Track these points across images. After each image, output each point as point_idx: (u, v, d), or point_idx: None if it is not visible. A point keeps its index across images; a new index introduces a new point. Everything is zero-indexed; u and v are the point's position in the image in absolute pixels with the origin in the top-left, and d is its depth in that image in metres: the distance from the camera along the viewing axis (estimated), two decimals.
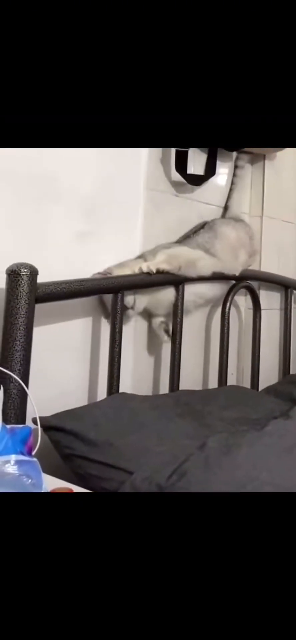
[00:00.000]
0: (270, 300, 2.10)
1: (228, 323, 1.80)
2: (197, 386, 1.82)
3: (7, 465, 0.78)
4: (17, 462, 0.79)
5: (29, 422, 1.12)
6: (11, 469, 0.78)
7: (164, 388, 1.65)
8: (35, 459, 0.83)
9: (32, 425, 1.05)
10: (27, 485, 0.78)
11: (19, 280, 1.13)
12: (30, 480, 0.79)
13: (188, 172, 1.75)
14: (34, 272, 1.16)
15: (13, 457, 0.80)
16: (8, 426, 0.88)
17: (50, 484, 0.86)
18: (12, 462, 0.79)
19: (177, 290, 1.60)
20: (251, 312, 1.99)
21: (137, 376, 1.63)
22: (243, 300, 2.01)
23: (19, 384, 1.08)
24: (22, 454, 0.85)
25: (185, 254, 1.64)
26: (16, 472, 0.79)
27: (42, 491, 0.80)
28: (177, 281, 1.59)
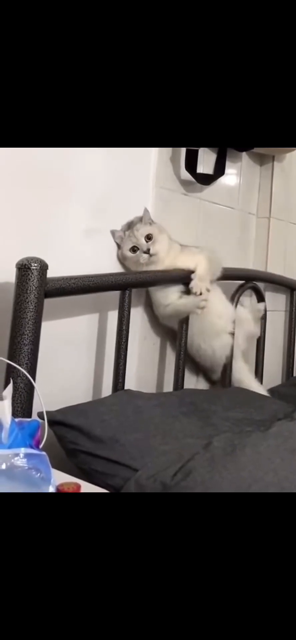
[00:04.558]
0: (275, 301, 2.11)
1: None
2: (201, 385, 1.83)
3: (16, 459, 0.78)
4: (27, 456, 0.79)
5: (34, 416, 1.13)
6: (20, 462, 0.79)
7: (169, 386, 1.65)
8: (44, 453, 0.83)
9: (38, 419, 1.05)
10: (36, 479, 0.78)
11: (29, 274, 1.14)
12: (39, 474, 0.79)
13: (198, 171, 1.75)
14: (43, 267, 1.16)
15: (22, 451, 0.80)
16: (16, 419, 0.89)
17: (58, 478, 0.86)
18: (22, 455, 0.79)
19: (186, 288, 1.60)
20: (264, 307, 1.98)
21: (142, 373, 1.63)
22: (248, 301, 2.01)
23: (27, 377, 1.09)
24: (31, 447, 0.85)
25: (216, 258, 1.64)
26: (25, 465, 0.79)
27: (51, 485, 0.80)
28: (187, 280, 1.60)
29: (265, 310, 1.96)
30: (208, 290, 1.56)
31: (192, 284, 1.55)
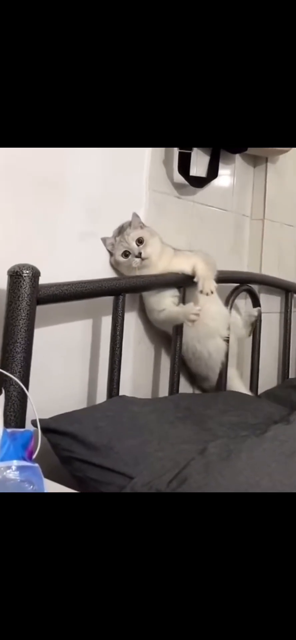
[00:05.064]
0: (270, 303, 2.10)
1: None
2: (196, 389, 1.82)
3: (8, 471, 0.78)
4: (19, 468, 0.79)
5: (28, 424, 1.12)
6: (12, 474, 0.78)
7: (164, 391, 1.64)
8: (36, 465, 0.82)
9: (31, 428, 1.04)
10: (28, 491, 0.78)
11: (20, 281, 1.12)
12: (31, 487, 0.78)
13: (191, 174, 1.74)
14: (35, 274, 1.15)
15: (14, 463, 0.79)
16: (8, 430, 0.88)
17: (51, 489, 0.85)
18: (14, 468, 0.78)
19: (180, 293, 1.60)
20: (260, 312, 1.97)
21: (137, 379, 1.62)
22: (243, 304, 2.01)
23: (19, 386, 1.08)
24: (23, 459, 0.84)
25: (210, 260, 1.63)
26: (18, 478, 0.78)
27: None
28: (180, 284, 1.59)
29: (260, 314, 1.95)
30: (212, 292, 1.55)
31: (200, 286, 1.54)
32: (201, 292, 1.54)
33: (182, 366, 1.68)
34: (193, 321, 1.53)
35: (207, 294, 1.54)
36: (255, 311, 1.92)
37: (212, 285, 1.55)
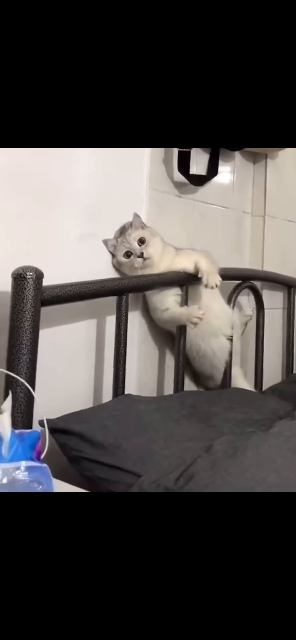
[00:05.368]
0: (273, 299, 2.10)
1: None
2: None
3: (17, 472, 0.78)
4: (28, 469, 0.79)
5: (35, 425, 1.12)
6: (22, 475, 0.78)
7: (169, 389, 1.64)
8: (45, 465, 0.83)
9: (39, 428, 1.05)
10: (37, 492, 0.78)
11: (24, 283, 1.13)
12: (41, 487, 0.79)
13: (191, 172, 1.75)
14: (39, 275, 1.15)
15: (23, 464, 0.80)
16: (16, 431, 0.88)
17: (60, 489, 0.86)
18: (23, 469, 0.79)
19: (182, 291, 1.60)
20: (254, 312, 1.98)
21: (142, 377, 1.63)
22: (246, 300, 2.01)
23: (26, 387, 1.08)
24: (32, 459, 0.84)
25: (212, 257, 1.64)
26: (26, 478, 0.78)
27: None
28: (183, 282, 1.59)
29: (264, 309, 1.96)
30: (217, 286, 1.55)
31: (204, 280, 1.54)
32: (206, 286, 1.54)
33: (186, 366, 1.68)
34: (195, 324, 1.53)
35: (212, 288, 1.54)
36: (249, 310, 1.95)
37: (216, 278, 1.55)
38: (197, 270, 1.57)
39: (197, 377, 1.81)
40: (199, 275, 1.55)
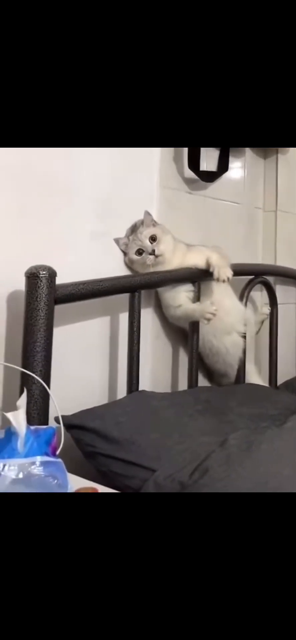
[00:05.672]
0: (286, 295, 2.09)
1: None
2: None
3: (33, 467, 0.79)
4: (43, 464, 0.80)
5: (51, 422, 1.13)
6: (37, 470, 0.79)
7: (183, 385, 1.65)
8: (60, 460, 0.84)
9: (55, 425, 1.06)
10: (53, 486, 0.79)
11: (37, 282, 1.14)
12: (56, 481, 0.79)
13: (201, 168, 1.75)
14: (52, 274, 1.16)
15: (38, 459, 0.81)
16: (32, 427, 0.89)
17: (75, 483, 0.87)
18: (38, 464, 0.80)
19: (195, 288, 1.60)
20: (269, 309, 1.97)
21: (156, 374, 1.63)
22: (259, 296, 2.01)
23: (41, 384, 1.09)
24: (47, 454, 0.85)
25: (224, 252, 1.64)
26: (42, 473, 0.79)
27: (68, 491, 0.80)
28: (195, 278, 1.59)
29: (277, 304, 1.95)
30: (229, 279, 1.55)
31: (215, 274, 1.54)
32: (217, 279, 1.54)
33: (200, 363, 1.68)
34: (209, 320, 1.53)
35: (224, 281, 1.54)
36: (265, 309, 1.94)
37: (227, 271, 1.55)
38: (208, 265, 1.57)
39: (211, 375, 1.81)
40: (210, 270, 1.56)
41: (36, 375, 1.10)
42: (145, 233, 1.51)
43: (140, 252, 1.51)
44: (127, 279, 1.45)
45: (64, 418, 1.08)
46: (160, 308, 1.65)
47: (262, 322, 1.96)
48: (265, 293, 1.98)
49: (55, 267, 1.18)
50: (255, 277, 1.86)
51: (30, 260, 1.19)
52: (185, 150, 1.72)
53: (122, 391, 1.44)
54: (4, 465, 0.78)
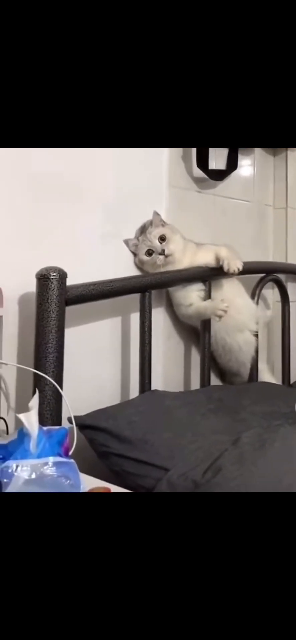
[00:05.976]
0: None
1: None
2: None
3: (45, 467, 0.79)
4: (55, 464, 0.80)
5: (64, 422, 1.14)
6: (49, 470, 0.79)
7: (195, 384, 1.64)
8: (72, 460, 0.84)
9: (67, 425, 1.06)
10: (65, 486, 0.79)
11: (48, 283, 1.15)
12: (68, 481, 0.79)
13: (210, 167, 1.74)
14: (63, 275, 1.17)
15: (51, 459, 0.81)
16: (45, 428, 0.89)
17: (88, 483, 0.87)
18: (51, 464, 0.80)
19: (205, 286, 1.60)
20: (279, 304, 1.96)
21: (168, 373, 1.63)
22: (270, 294, 2.00)
23: (53, 385, 1.10)
24: (60, 455, 0.85)
25: (234, 249, 1.64)
26: (54, 473, 0.79)
27: (81, 491, 0.80)
28: (205, 277, 1.59)
29: (289, 301, 1.94)
30: (239, 270, 1.55)
31: (225, 267, 1.54)
32: (227, 271, 1.54)
33: (212, 363, 1.67)
34: (220, 316, 1.53)
35: (234, 272, 1.54)
36: (268, 312, 1.95)
37: (238, 262, 1.55)
38: (218, 261, 1.57)
39: (223, 375, 1.80)
40: (220, 263, 1.55)
41: (48, 376, 1.10)
42: (154, 233, 1.51)
43: (150, 252, 1.52)
44: (137, 279, 1.45)
45: (76, 418, 1.08)
46: (171, 307, 1.65)
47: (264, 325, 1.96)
48: (276, 291, 1.97)
49: (65, 269, 1.18)
50: (266, 275, 1.85)
51: (41, 262, 1.19)
52: (194, 149, 1.71)
53: (134, 391, 1.44)
54: (17, 466, 0.78)
